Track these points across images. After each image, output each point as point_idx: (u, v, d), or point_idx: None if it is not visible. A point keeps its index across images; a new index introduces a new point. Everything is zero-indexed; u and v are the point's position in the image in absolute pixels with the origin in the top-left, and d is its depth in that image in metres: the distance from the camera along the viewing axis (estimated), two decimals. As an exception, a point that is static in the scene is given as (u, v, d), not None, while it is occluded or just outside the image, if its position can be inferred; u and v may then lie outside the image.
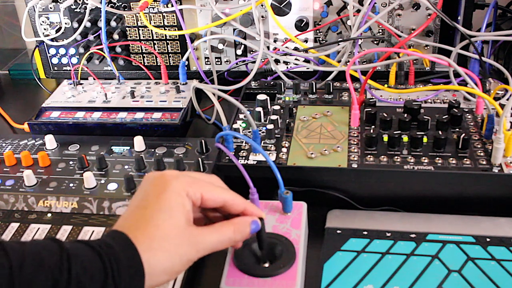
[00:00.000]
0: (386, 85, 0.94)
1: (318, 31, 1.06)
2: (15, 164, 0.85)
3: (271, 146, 0.81)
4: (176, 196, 0.54)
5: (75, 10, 1.11)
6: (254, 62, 1.06)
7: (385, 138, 0.80)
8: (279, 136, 0.84)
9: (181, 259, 0.53)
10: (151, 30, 1.11)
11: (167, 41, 1.12)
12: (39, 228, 0.74)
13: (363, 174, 0.76)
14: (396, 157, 0.77)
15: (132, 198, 0.57)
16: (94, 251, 0.49)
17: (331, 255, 0.69)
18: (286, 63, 1.09)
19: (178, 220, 0.53)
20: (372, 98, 0.89)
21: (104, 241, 0.50)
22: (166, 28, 1.10)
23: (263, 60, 1.05)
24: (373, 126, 0.84)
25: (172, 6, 1.02)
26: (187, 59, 1.11)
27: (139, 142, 0.87)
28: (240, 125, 0.86)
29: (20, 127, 1.04)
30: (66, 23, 1.11)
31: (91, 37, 1.10)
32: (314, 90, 0.94)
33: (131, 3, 1.08)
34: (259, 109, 0.87)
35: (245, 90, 0.98)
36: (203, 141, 0.84)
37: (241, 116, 0.89)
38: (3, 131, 1.06)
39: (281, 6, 1.02)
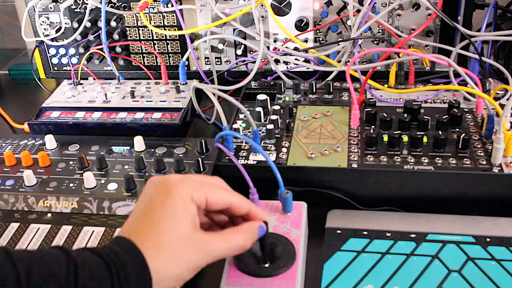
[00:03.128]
0: (386, 85, 0.94)
1: (318, 31, 1.06)
2: (15, 164, 0.85)
3: (271, 146, 0.81)
4: (181, 201, 0.54)
5: (75, 10, 1.11)
6: (254, 62, 1.06)
7: (385, 138, 0.80)
8: (279, 136, 0.84)
9: (188, 265, 0.52)
10: (151, 30, 1.11)
11: (167, 41, 1.12)
12: (39, 228, 0.74)
13: (363, 174, 0.76)
14: (396, 157, 0.77)
15: (136, 204, 0.56)
16: (101, 259, 0.49)
17: (331, 255, 0.69)
18: (286, 63, 1.09)
19: (185, 226, 0.53)
20: (372, 98, 0.89)
21: (111, 248, 0.50)
22: (166, 28, 1.10)
23: (263, 60, 1.05)
24: (373, 126, 0.84)
25: (172, 6, 1.02)
26: (187, 59, 1.11)
27: (139, 142, 0.87)
28: (240, 125, 0.86)
29: (20, 127, 1.04)
30: (66, 23, 1.11)
31: (91, 37, 1.10)
32: (314, 90, 0.94)
33: (131, 3, 1.08)
34: (259, 109, 0.87)
35: (245, 90, 0.98)
36: (203, 141, 0.84)
37: (241, 116, 0.89)
38: (3, 131, 1.06)
39: (281, 6, 1.02)
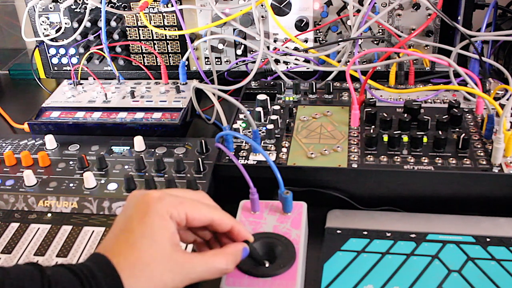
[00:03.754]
0: (386, 85, 0.95)
1: (318, 31, 1.06)
2: (15, 164, 0.85)
3: (271, 146, 0.81)
4: (159, 219, 0.52)
5: (75, 10, 1.11)
6: (254, 62, 1.06)
7: (385, 138, 0.80)
8: (279, 136, 0.84)
9: (165, 286, 0.51)
10: (151, 30, 1.11)
11: (167, 41, 1.12)
12: (39, 228, 0.74)
13: (363, 174, 0.76)
14: (396, 157, 0.77)
15: (115, 219, 0.55)
16: (75, 276, 0.48)
17: (331, 255, 0.69)
18: (286, 63, 1.09)
19: (162, 246, 0.52)
20: (372, 98, 0.89)
21: (87, 266, 0.50)
22: (166, 28, 1.10)
23: (263, 60, 1.05)
24: (373, 126, 0.84)
25: (172, 6, 1.02)
26: (187, 59, 1.11)
27: (139, 142, 0.87)
28: (240, 125, 0.86)
29: (20, 127, 1.04)
30: (66, 23, 1.11)
31: (91, 37, 1.10)
32: (314, 90, 0.94)
33: (131, 3, 1.08)
34: (259, 109, 0.87)
35: (245, 90, 0.98)
36: (203, 141, 0.84)
37: (241, 116, 0.89)
38: (3, 131, 1.06)
39: (281, 6, 1.02)
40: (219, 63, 1.13)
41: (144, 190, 0.57)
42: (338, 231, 0.73)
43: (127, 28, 1.11)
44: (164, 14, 1.08)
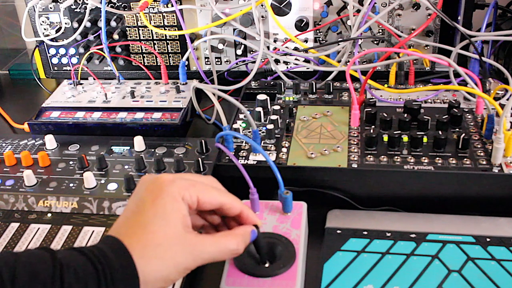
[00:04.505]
0: (386, 85, 0.94)
1: (318, 31, 1.06)
2: (15, 164, 0.85)
3: (271, 146, 0.81)
4: (172, 201, 0.53)
5: (75, 10, 1.11)
6: (254, 62, 1.06)
7: (385, 138, 0.80)
8: (279, 136, 0.84)
9: (177, 267, 0.52)
10: (151, 30, 1.11)
11: (167, 41, 1.12)
12: (39, 228, 0.74)
13: (363, 174, 0.76)
14: (396, 157, 0.77)
15: (127, 203, 0.56)
16: (87, 258, 0.48)
17: (331, 255, 0.69)
18: (286, 63, 1.09)
19: (175, 227, 0.52)
20: (372, 98, 0.89)
21: (99, 248, 0.50)
22: (166, 28, 1.10)
23: (263, 60, 1.05)
24: (373, 126, 0.84)
25: (172, 6, 1.02)
26: (187, 59, 1.11)
27: (139, 142, 0.87)
28: (240, 125, 0.86)
29: (20, 127, 1.04)
30: (66, 23, 1.11)
31: (91, 37, 1.10)
32: (314, 90, 0.94)
33: (131, 3, 1.08)
34: (259, 109, 0.87)
35: (245, 90, 0.98)
36: (203, 141, 0.84)
37: (241, 116, 0.89)
38: (3, 131, 1.06)
39: (281, 6, 1.02)
40: (219, 63, 1.13)
41: (155, 173, 0.57)
42: (338, 231, 0.73)
43: (127, 28, 1.11)
44: (164, 14, 1.08)
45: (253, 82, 1.00)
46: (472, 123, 0.84)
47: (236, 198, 0.59)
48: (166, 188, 0.54)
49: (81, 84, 1.08)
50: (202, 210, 0.57)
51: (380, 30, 1.04)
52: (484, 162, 0.75)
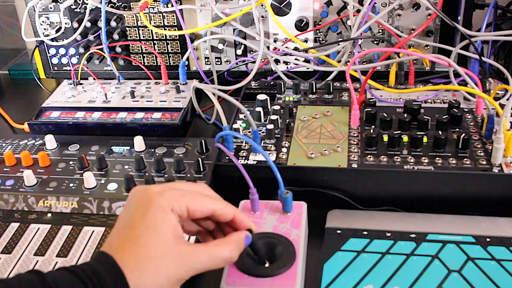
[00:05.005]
0: (386, 85, 0.94)
1: (318, 31, 1.06)
2: (15, 164, 0.85)
3: (271, 146, 0.81)
4: (161, 213, 0.53)
5: (75, 10, 1.11)
6: (254, 62, 1.06)
7: (385, 138, 0.80)
8: (279, 136, 0.84)
9: (170, 279, 0.52)
10: (151, 30, 1.11)
11: (167, 41, 1.12)
12: (39, 228, 0.74)
13: (363, 174, 0.76)
14: (396, 157, 0.77)
15: (118, 217, 0.56)
16: (78, 279, 0.48)
17: (331, 255, 0.69)
18: (286, 63, 1.09)
19: (166, 239, 0.52)
20: (372, 98, 0.89)
21: (90, 266, 0.50)
22: (166, 28, 1.10)
23: (263, 60, 1.05)
24: (373, 126, 0.84)
25: (172, 6, 1.02)
26: (187, 59, 1.11)
27: (139, 142, 0.87)
28: (240, 125, 0.86)
29: (20, 127, 1.04)
30: (66, 23, 1.11)
31: (91, 37, 1.10)
32: (314, 90, 0.94)
33: (131, 3, 1.08)
34: (259, 109, 0.87)
35: (245, 90, 0.98)
36: (203, 141, 0.84)
37: (241, 116, 0.89)
38: (3, 131, 1.06)
39: (281, 6, 1.02)
40: (219, 63, 1.13)
41: (145, 185, 0.57)
42: (338, 231, 0.73)
43: (127, 28, 1.11)
44: (164, 14, 1.08)
45: (253, 82, 1.00)
46: (472, 123, 0.84)
47: (228, 204, 0.58)
48: (155, 200, 0.53)
49: (81, 84, 1.08)
50: (194, 218, 0.57)
51: (380, 30, 1.04)
52: (484, 162, 0.75)
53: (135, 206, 0.54)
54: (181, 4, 1.06)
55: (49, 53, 1.16)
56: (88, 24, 1.08)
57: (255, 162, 0.78)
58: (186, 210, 0.55)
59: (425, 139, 0.79)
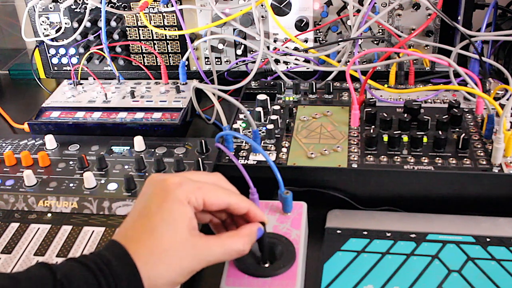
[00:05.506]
0: (386, 85, 0.95)
1: (318, 31, 1.06)
2: (15, 164, 0.85)
3: (271, 146, 0.81)
4: (178, 205, 0.53)
5: (75, 10, 1.11)
6: (254, 62, 1.06)
7: (385, 138, 0.80)
8: (279, 136, 0.84)
9: (183, 271, 0.52)
10: (151, 30, 1.11)
11: (167, 41, 1.12)
12: (39, 228, 0.74)
13: (363, 174, 0.76)
14: (396, 157, 0.77)
15: (134, 204, 0.56)
16: (90, 272, 0.48)
17: (331, 255, 0.69)
18: (286, 63, 1.09)
19: (181, 232, 0.52)
20: (372, 98, 0.89)
21: (102, 256, 0.50)
22: (166, 28, 1.10)
23: (263, 60, 1.05)
24: (373, 126, 0.84)
25: (172, 6, 1.02)
26: (187, 59, 1.11)
27: (139, 142, 0.87)
28: (240, 125, 0.86)
29: (20, 127, 1.04)
30: (66, 23, 1.11)
31: (91, 37, 1.10)
32: (314, 90, 0.94)
33: (131, 3, 1.08)
34: (259, 109, 0.87)
35: (245, 90, 0.98)
36: (203, 141, 0.84)
37: (241, 116, 0.89)
38: (3, 131, 1.06)
39: (281, 6, 1.02)
40: (219, 63, 1.13)
41: (162, 174, 0.57)
42: (338, 231, 0.73)
43: (127, 28, 1.11)
44: (164, 14, 1.08)
45: (253, 82, 1.00)
46: (472, 123, 0.84)
47: (243, 197, 0.59)
48: (173, 191, 0.53)
49: (81, 84, 1.08)
50: (209, 210, 0.58)
51: (380, 30, 1.04)
52: (484, 162, 0.75)
53: (152, 196, 0.54)
54: (181, 4, 1.06)
55: (49, 53, 1.16)
56: (88, 24, 1.08)
57: (255, 162, 0.78)
58: (202, 203, 0.55)
59: (425, 139, 0.79)
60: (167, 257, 0.51)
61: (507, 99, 0.89)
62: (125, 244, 0.51)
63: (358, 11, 0.95)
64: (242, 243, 0.56)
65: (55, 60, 1.17)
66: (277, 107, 0.89)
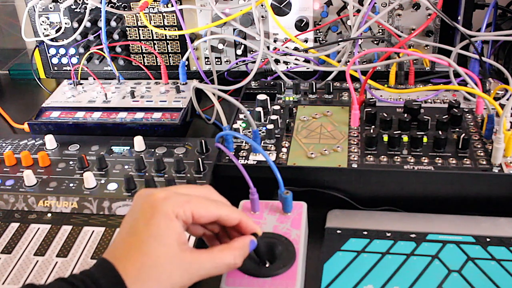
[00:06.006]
0: (386, 85, 0.95)
1: (318, 31, 1.06)
2: (15, 164, 0.85)
3: (271, 146, 0.81)
4: (165, 220, 0.52)
5: (75, 10, 1.11)
6: (254, 62, 1.06)
7: (385, 138, 0.80)
8: (279, 136, 0.84)
9: (173, 286, 0.51)
10: (151, 30, 1.11)
11: (167, 41, 1.12)
12: (39, 228, 0.74)
13: (363, 174, 0.76)
14: (396, 157, 0.77)
15: (122, 223, 0.55)
16: None
17: (331, 255, 0.69)
18: (286, 63, 1.09)
19: (170, 246, 0.52)
20: (372, 98, 0.89)
21: (91, 274, 0.49)
22: (166, 28, 1.10)
23: (263, 60, 1.05)
24: (373, 126, 0.84)
25: (172, 6, 1.02)
26: (187, 59, 1.11)
27: (139, 142, 0.87)
28: (240, 125, 0.86)
29: (20, 127, 1.04)
30: (66, 23, 1.11)
31: (91, 37, 1.10)
32: (314, 90, 0.94)
33: (131, 3, 1.08)
34: (259, 109, 0.87)
35: (245, 90, 0.98)
36: (203, 141, 0.84)
37: (241, 116, 0.89)
38: (3, 131, 1.06)
39: (281, 6, 1.02)
40: (219, 63, 1.13)
41: (150, 189, 0.56)
42: (338, 231, 0.73)
43: (127, 28, 1.11)
44: (164, 14, 1.08)
45: (253, 82, 1.00)
46: (472, 123, 0.84)
47: (234, 208, 0.58)
48: (160, 207, 0.53)
49: (81, 84, 1.08)
50: (199, 223, 0.57)
51: (380, 30, 1.04)
52: (484, 162, 0.75)
53: (139, 212, 0.54)
54: (181, 4, 1.06)
55: (49, 53, 1.16)
56: (88, 24, 1.08)
57: (255, 162, 0.78)
58: (191, 216, 0.54)
59: (425, 139, 0.79)
60: (156, 273, 0.50)
61: (507, 99, 0.89)
62: (114, 262, 0.50)
63: (358, 11, 0.95)
64: (233, 257, 0.55)
65: (55, 60, 1.17)
66: (277, 107, 0.89)
